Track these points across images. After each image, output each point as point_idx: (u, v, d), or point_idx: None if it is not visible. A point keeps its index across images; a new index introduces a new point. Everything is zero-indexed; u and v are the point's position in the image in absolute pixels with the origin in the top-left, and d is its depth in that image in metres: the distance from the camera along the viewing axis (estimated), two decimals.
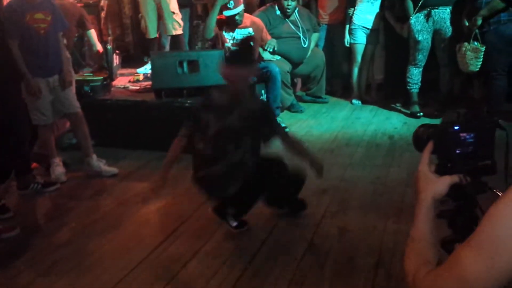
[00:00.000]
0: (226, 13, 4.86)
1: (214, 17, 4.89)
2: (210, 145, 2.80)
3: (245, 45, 3.22)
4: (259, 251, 2.69)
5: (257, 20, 5.09)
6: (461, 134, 1.11)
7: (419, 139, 1.21)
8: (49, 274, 2.56)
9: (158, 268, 2.57)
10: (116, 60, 5.02)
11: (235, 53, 3.28)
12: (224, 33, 5.01)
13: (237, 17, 4.91)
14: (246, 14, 5.06)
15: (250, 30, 4.99)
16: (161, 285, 2.41)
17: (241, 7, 4.90)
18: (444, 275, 0.91)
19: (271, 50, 5.07)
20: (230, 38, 5.00)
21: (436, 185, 1.10)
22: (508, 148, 1.15)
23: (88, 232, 3.01)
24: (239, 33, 5.01)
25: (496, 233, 0.85)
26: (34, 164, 3.98)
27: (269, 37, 5.19)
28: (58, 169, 3.83)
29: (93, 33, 4.73)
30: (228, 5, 4.82)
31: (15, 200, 3.54)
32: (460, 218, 1.15)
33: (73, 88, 3.97)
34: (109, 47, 5.00)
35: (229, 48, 4.90)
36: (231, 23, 4.96)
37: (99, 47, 4.83)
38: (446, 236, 1.14)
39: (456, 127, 1.11)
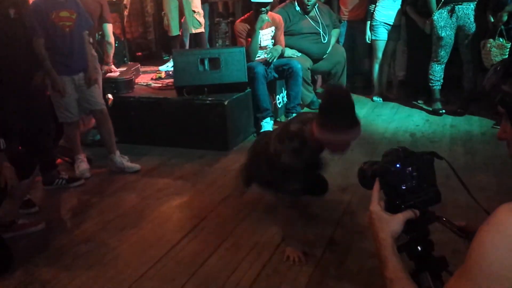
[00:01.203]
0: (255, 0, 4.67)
1: (256, 42, 4.80)
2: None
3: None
4: (278, 247, 2.70)
5: (278, 17, 5.05)
6: (402, 170, 1.16)
7: (364, 175, 1.28)
8: (71, 268, 2.61)
9: (179, 264, 2.60)
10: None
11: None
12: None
13: (263, 9, 4.71)
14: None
15: (273, 29, 4.97)
16: (182, 280, 2.43)
17: None
18: None
19: (270, 61, 4.82)
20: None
21: (391, 225, 1.13)
22: (458, 175, 1.25)
23: (110, 228, 3.06)
24: (263, 38, 4.95)
25: (484, 262, 0.86)
26: (59, 160, 4.07)
27: (282, 37, 5.08)
28: (83, 165, 3.90)
29: (109, 27, 4.73)
30: None
31: (40, 195, 3.62)
32: (417, 248, 1.20)
33: (99, 85, 4.04)
34: (116, 43, 5.07)
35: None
36: (255, 16, 4.78)
37: (111, 39, 4.83)
38: (410, 270, 1.17)
39: (398, 165, 1.16)
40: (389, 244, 1.11)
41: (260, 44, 4.93)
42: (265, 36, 4.94)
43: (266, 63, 4.81)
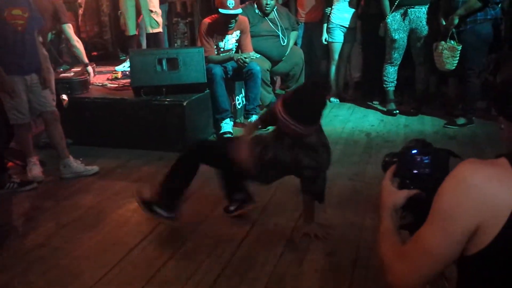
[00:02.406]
0: (224, 11, 4.60)
1: (217, 58, 4.80)
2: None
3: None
4: (239, 247, 2.70)
5: (243, 20, 4.97)
6: (418, 157, 1.29)
7: (387, 166, 1.40)
8: (26, 274, 2.53)
9: (136, 268, 2.56)
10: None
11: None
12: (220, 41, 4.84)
13: (233, 21, 4.69)
14: None
15: (238, 33, 4.95)
16: (139, 284, 2.40)
17: (240, 10, 4.71)
18: (410, 251, 1.10)
19: (248, 62, 4.75)
20: (217, 47, 4.89)
21: (396, 196, 1.28)
22: None
23: (65, 232, 2.98)
24: (228, 42, 4.91)
25: (443, 206, 1.05)
26: (10, 163, 3.92)
27: (249, 40, 5.03)
28: (35, 168, 3.78)
29: (69, 28, 4.54)
30: (227, 3, 4.55)
31: None
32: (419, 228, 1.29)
33: (52, 86, 3.92)
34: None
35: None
36: (222, 27, 4.78)
37: (76, 42, 4.64)
38: None
39: (414, 151, 1.30)
40: (389, 210, 1.27)
41: (224, 48, 4.92)
42: (230, 40, 4.93)
43: (238, 62, 4.75)
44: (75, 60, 5.02)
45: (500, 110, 1.17)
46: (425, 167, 1.28)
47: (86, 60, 4.67)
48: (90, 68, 4.72)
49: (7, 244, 2.85)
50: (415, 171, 1.29)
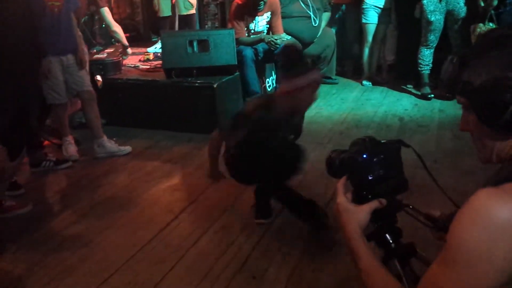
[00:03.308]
0: None
1: (247, 39, 4.77)
2: None
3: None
4: (268, 228, 2.71)
5: (274, 0, 4.92)
6: (369, 160, 1.15)
7: (332, 164, 1.27)
8: (59, 251, 2.60)
9: (168, 247, 2.60)
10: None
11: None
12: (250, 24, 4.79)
13: (261, 2, 4.65)
14: None
15: (269, 14, 4.89)
16: (171, 262, 2.44)
17: None
18: None
19: (279, 44, 4.69)
20: (247, 29, 4.84)
21: (359, 215, 1.12)
22: (424, 163, 1.23)
23: (98, 210, 3.05)
24: (258, 24, 4.86)
25: (466, 249, 0.85)
26: (46, 142, 4.03)
27: (279, 21, 4.97)
28: (71, 147, 3.86)
29: (107, 12, 4.60)
30: None
31: (28, 177, 3.58)
32: (385, 236, 1.20)
33: (86, 67, 3.99)
34: (103, 25, 4.90)
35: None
36: (252, 9, 4.74)
37: (115, 27, 4.70)
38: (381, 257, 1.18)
39: (364, 156, 1.16)
40: (358, 235, 1.11)
41: (254, 29, 4.88)
42: (260, 22, 4.88)
43: (269, 44, 4.72)
44: (109, 41, 5.08)
45: None
46: (379, 169, 1.16)
47: (126, 42, 4.74)
48: (130, 50, 4.80)
49: (42, 220, 2.94)
50: (370, 177, 1.16)
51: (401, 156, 1.22)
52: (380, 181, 1.16)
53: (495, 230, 0.82)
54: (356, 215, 1.13)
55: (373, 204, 1.13)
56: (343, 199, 1.16)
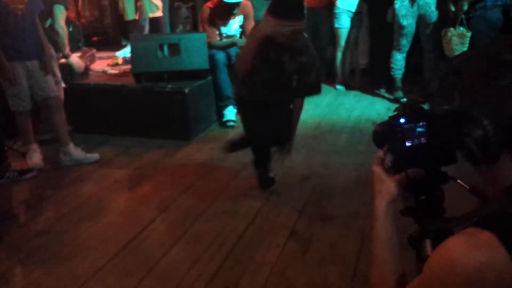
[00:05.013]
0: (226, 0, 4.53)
1: (219, 43, 4.72)
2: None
3: None
4: (241, 238, 2.66)
5: (247, 4, 4.85)
6: (409, 125, 1.07)
7: (375, 135, 1.17)
8: (26, 262, 2.52)
9: (139, 257, 2.53)
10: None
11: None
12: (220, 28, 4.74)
13: (236, 8, 4.61)
14: None
15: (241, 18, 4.84)
16: (141, 273, 2.37)
17: None
18: None
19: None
20: (219, 33, 4.78)
21: (389, 186, 1.06)
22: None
23: (66, 220, 2.95)
24: (230, 27, 4.80)
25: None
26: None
27: (252, 26, 4.95)
28: (35, 155, 3.73)
29: (59, 10, 4.19)
30: None
31: None
32: (425, 213, 1.12)
33: (55, 71, 3.87)
34: (70, 28, 4.70)
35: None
36: (224, 13, 4.68)
37: (60, 28, 4.34)
38: (412, 232, 1.10)
39: (402, 120, 1.07)
40: (381, 214, 1.05)
41: (226, 33, 4.82)
42: (233, 25, 4.83)
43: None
44: (75, 45, 4.91)
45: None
46: (420, 136, 1.07)
47: (66, 50, 4.43)
48: (73, 58, 4.49)
49: (8, 232, 2.82)
50: (407, 143, 1.06)
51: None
52: (421, 149, 1.07)
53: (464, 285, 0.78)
54: (386, 186, 1.06)
55: (399, 177, 1.05)
56: (377, 168, 1.08)
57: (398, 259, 1.04)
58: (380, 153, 1.11)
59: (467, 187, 1.16)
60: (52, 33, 4.09)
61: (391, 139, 1.10)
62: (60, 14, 4.14)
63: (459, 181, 1.15)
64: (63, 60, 4.50)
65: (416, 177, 1.06)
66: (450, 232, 1.13)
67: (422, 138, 1.07)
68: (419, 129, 1.07)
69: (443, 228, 1.13)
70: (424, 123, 1.07)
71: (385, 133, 1.13)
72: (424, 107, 1.10)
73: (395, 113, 1.11)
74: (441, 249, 0.82)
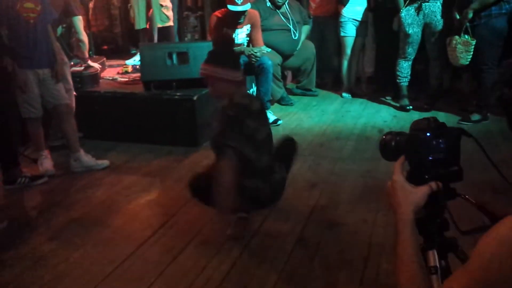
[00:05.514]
0: (232, 7, 4.57)
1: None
2: (263, 153, 2.62)
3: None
4: (249, 244, 2.68)
5: (254, 13, 4.93)
6: (433, 140, 1.12)
7: (386, 146, 1.23)
8: (36, 268, 2.53)
9: (147, 263, 2.55)
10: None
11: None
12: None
13: (242, 17, 4.68)
14: None
15: (248, 27, 4.90)
16: (150, 279, 2.39)
17: (248, 5, 4.65)
18: None
19: (259, 56, 4.75)
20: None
21: (416, 196, 1.10)
22: (486, 153, 1.18)
23: (76, 226, 2.98)
24: (238, 36, 4.86)
25: (488, 269, 0.85)
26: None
27: (259, 34, 4.97)
28: (46, 161, 3.78)
29: (79, 20, 4.53)
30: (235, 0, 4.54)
31: (2, 193, 3.49)
32: (431, 225, 1.18)
33: (68, 78, 3.93)
34: None
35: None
36: (231, 22, 4.75)
37: (83, 36, 4.64)
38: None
39: (428, 134, 1.12)
40: (409, 220, 1.08)
41: (234, 42, 4.87)
42: (240, 34, 4.88)
43: (249, 56, 4.74)
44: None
45: None
46: (440, 151, 1.12)
47: (87, 55, 4.70)
48: (90, 62, 4.76)
49: (18, 237, 2.85)
50: (430, 158, 1.12)
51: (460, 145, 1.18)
52: (438, 164, 1.13)
53: None
54: (413, 196, 1.10)
55: (432, 186, 1.10)
56: (400, 177, 1.13)
57: (424, 273, 1.07)
58: (399, 163, 1.15)
59: (475, 203, 1.22)
60: (70, 39, 4.28)
61: (409, 151, 1.15)
62: (80, 23, 4.39)
63: (467, 197, 1.20)
64: (74, 68, 4.62)
65: (436, 189, 1.11)
66: (454, 244, 1.18)
67: (441, 154, 1.13)
68: (439, 145, 1.13)
69: (448, 239, 1.18)
70: (443, 139, 1.13)
71: (400, 145, 1.19)
72: (445, 123, 1.16)
73: (421, 126, 1.15)
74: (492, 233, 0.86)
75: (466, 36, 4.50)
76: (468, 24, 4.47)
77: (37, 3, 3.52)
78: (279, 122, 4.82)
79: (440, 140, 1.13)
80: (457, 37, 4.54)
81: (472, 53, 4.50)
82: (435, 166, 1.13)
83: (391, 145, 1.23)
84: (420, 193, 1.10)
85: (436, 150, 1.13)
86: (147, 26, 5.80)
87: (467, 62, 4.57)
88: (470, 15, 4.44)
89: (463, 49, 4.52)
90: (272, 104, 5.36)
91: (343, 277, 2.37)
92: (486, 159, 1.17)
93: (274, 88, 5.29)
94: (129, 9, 5.84)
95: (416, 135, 1.15)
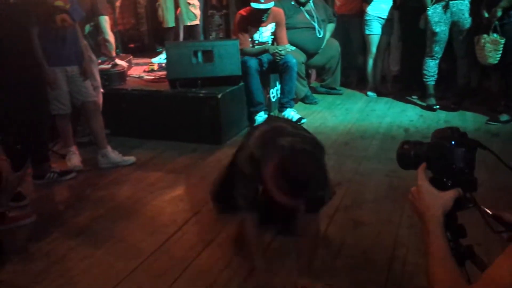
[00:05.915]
0: (255, 5, 4.60)
1: (251, 50, 4.77)
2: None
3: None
4: (272, 242, 2.68)
5: (278, 12, 4.93)
6: (458, 149, 1.16)
7: (405, 156, 1.27)
8: (63, 261, 2.59)
9: (171, 258, 2.58)
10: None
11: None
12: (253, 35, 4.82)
13: (265, 15, 4.69)
14: None
15: (273, 25, 4.90)
16: (174, 275, 2.41)
17: (272, 3, 4.66)
18: None
19: (284, 55, 4.74)
20: (251, 40, 4.85)
21: (444, 200, 1.12)
22: (504, 162, 1.20)
23: (102, 221, 3.04)
24: (262, 34, 4.88)
25: (500, 279, 0.87)
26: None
27: (284, 32, 4.97)
28: (74, 157, 3.86)
29: (106, 20, 4.62)
30: None
31: (31, 187, 3.57)
32: (449, 232, 1.18)
33: (95, 75, 4.01)
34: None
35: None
36: (255, 20, 4.77)
37: (110, 36, 4.74)
38: None
39: (453, 142, 1.16)
40: (440, 221, 1.11)
41: (258, 40, 4.89)
42: (265, 32, 4.89)
43: (274, 55, 4.74)
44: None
45: None
46: (460, 161, 1.16)
47: (114, 54, 4.82)
48: (117, 60, 4.86)
49: (46, 231, 2.92)
50: (453, 166, 1.16)
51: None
52: (458, 173, 1.16)
53: None
54: (441, 200, 1.12)
55: (456, 192, 1.13)
56: (426, 182, 1.16)
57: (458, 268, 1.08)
58: (422, 169, 1.18)
59: (490, 213, 1.23)
60: (96, 38, 4.37)
61: (433, 159, 1.19)
62: (106, 23, 4.47)
63: (482, 207, 1.21)
64: (101, 66, 4.71)
65: (461, 195, 1.14)
66: (471, 251, 1.19)
67: (461, 163, 1.16)
68: (461, 154, 1.16)
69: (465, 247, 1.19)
70: (464, 149, 1.16)
71: (420, 154, 1.22)
72: (466, 133, 1.19)
73: (445, 134, 1.18)
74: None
75: (495, 35, 4.42)
76: (497, 22, 4.39)
77: (66, 1, 3.58)
78: (303, 120, 4.82)
79: (463, 149, 1.16)
80: (485, 35, 4.46)
81: (501, 52, 4.41)
82: (457, 174, 1.16)
83: (410, 154, 1.26)
84: (447, 196, 1.13)
85: (458, 159, 1.16)
86: (176, 25, 5.86)
87: (496, 61, 4.48)
88: (499, 13, 4.36)
89: (491, 48, 4.44)
90: (296, 102, 5.35)
91: (368, 277, 2.36)
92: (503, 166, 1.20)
93: (298, 86, 5.28)
94: (157, 8, 5.90)
95: (441, 143, 1.18)
